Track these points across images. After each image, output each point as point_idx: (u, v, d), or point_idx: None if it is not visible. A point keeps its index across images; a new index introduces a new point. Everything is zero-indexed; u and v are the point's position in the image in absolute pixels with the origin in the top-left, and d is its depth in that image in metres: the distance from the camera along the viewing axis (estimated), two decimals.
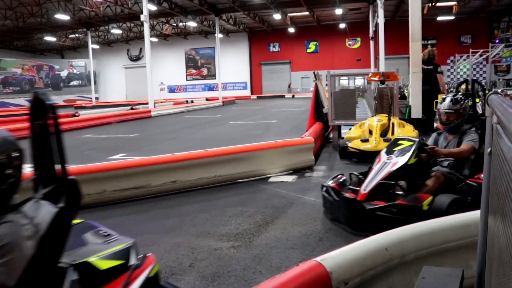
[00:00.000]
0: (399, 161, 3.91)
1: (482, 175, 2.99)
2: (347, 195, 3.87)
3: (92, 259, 1.74)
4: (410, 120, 8.65)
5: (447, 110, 4.05)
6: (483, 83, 23.72)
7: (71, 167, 5.62)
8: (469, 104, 10.96)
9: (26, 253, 1.49)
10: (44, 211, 1.67)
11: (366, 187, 3.83)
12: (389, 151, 4.09)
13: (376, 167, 3.98)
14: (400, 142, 4.13)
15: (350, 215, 3.71)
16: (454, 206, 3.47)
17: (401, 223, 2.73)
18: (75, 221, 1.86)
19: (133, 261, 1.85)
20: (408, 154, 3.93)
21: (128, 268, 1.80)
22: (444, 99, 4.14)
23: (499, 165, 1.38)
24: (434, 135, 4.39)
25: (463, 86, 17.85)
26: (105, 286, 1.71)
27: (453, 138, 4.15)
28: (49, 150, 1.92)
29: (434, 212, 3.39)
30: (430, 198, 3.60)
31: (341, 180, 4.30)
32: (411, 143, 4.04)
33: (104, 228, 2.12)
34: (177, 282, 2.84)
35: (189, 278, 2.92)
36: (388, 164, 3.93)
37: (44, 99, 1.86)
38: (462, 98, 4.14)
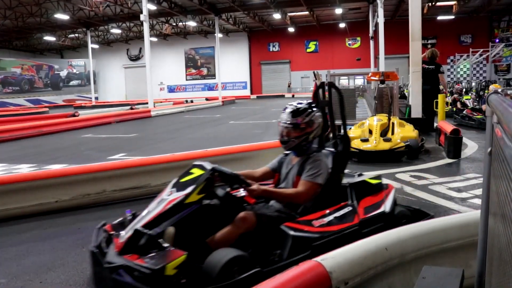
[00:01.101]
0: (177, 197, 2.67)
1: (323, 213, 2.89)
2: (114, 242, 2.61)
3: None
4: (410, 120, 8.65)
5: (285, 124, 3.11)
6: (483, 83, 23.69)
7: (71, 166, 5.63)
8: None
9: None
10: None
11: (126, 233, 2.58)
12: (177, 183, 2.83)
13: (151, 204, 2.75)
14: (191, 170, 2.84)
15: (94, 271, 2.71)
16: (234, 267, 2.34)
17: None
18: None
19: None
20: (189, 189, 2.68)
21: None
22: (284, 109, 3.24)
23: (499, 165, 1.38)
24: (280, 156, 3.36)
25: (457, 86, 17.90)
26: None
27: (297, 162, 3.13)
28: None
29: (204, 275, 2.33)
30: (183, 257, 2.30)
31: (123, 219, 2.87)
32: (202, 172, 2.77)
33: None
34: None
35: None
36: (164, 201, 2.69)
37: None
38: (310, 108, 3.14)
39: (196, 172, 2.76)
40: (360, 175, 3.49)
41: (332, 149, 3.33)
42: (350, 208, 3.01)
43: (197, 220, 2.67)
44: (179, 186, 2.74)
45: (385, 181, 3.56)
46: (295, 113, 3.12)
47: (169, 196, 2.69)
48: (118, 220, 2.83)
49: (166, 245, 2.40)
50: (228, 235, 2.63)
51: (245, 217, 2.67)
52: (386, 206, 3.14)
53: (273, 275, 2.08)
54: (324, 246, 2.57)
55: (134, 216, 2.75)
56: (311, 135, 3.08)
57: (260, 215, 2.75)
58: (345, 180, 3.29)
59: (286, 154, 3.28)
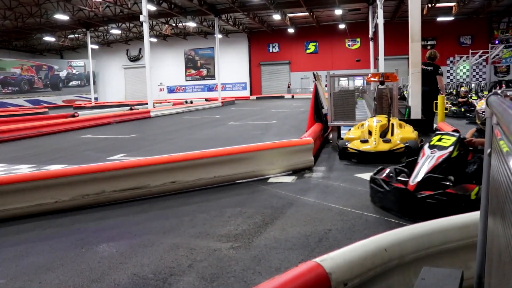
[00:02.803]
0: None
1: None
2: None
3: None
4: (410, 121, 8.65)
5: None
6: (482, 84, 23.80)
7: (70, 167, 5.63)
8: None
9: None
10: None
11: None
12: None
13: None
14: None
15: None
16: None
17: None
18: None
19: None
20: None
21: None
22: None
23: (499, 166, 1.38)
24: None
25: (463, 88, 18.30)
26: None
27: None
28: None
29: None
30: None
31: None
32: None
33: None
34: (176, 283, 2.84)
35: (188, 279, 2.92)
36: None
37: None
38: None
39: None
40: None
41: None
42: None
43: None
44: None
45: None
46: None
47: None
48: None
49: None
50: None
51: None
52: None
53: None
54: None
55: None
56: None
57: None
58: None
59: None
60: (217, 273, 2.98)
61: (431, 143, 4.38)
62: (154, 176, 5.14)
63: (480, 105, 4.42)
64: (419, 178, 4.07)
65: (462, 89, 18.42)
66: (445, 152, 4.21)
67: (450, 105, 14.76)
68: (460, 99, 15.51)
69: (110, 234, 3.99)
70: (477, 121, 4.57)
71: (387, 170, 4.58)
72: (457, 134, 4.35)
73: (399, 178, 4.43)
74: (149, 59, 21.72)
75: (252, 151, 6.02)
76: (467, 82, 24.44)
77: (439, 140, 4.37)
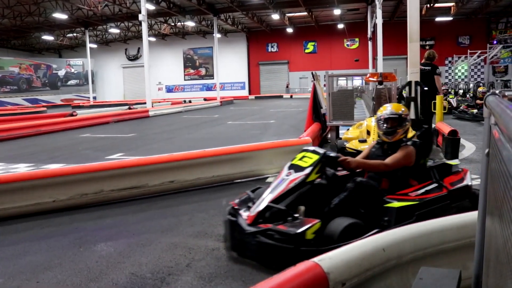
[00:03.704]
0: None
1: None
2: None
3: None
4: None
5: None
6: (480, 84, 23.79)
7: (69, 166, 5.62)
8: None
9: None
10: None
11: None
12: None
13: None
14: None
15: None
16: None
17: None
18: None
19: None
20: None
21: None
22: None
23: (497, 166, 1.38)
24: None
25: (480, 89, 17.84)
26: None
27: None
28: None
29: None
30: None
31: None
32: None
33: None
34: (174, 282, 2.84)
35: (186, 278, 2.92)
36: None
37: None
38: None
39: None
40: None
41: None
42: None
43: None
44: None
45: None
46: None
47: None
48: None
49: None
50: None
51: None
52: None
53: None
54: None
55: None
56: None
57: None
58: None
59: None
60: (215, 273, 2.98)
61: (292, 162, 3.44)
62: (153, 175, 5.13)
63: (382, 111, 3.77)
64: (260, 207, 3.11)
65: (480, 89, 17.37)
66: (300, 175, 3.25)
67: (466, 107, 14.18)
68: (478, 101, 14.55)
69: (109, 233, 3.98)
70: (378, 131, 3.79)
71: (250, 193, 3.54)
72: (322, 152, 3.41)
73: (250, 204, 3.32)
74: (147, 59, 21.69)
75: (250, 150, 6.03)
76: (465, 82, 24.42)
77: (302, 158, 3.41)
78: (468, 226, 2.42)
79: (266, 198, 3.18)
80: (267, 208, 3.09)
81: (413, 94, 6.70)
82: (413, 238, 2.35)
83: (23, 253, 3.50)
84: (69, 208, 4.61)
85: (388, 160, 3.52)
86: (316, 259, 1.96)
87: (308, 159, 3.35)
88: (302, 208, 3.14)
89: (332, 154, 3.44)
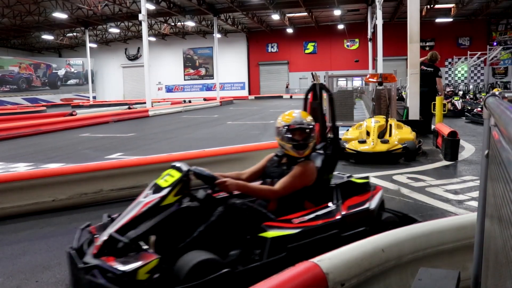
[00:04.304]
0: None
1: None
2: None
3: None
4: (408, 122, 8.67)
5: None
6: (480, 86, 23.82)
7: (68, 166, 5.62)
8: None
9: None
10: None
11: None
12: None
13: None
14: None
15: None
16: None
17: None
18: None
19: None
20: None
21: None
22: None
23: (496, 168, 1.38)
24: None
25: (496, 90, 17.82)
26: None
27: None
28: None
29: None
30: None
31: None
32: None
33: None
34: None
35: None
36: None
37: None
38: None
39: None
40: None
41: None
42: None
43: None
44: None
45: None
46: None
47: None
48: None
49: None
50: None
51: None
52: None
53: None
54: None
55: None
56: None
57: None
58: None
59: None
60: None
61: (156, 180, 2.77)
62: (152, 175, 5.06)
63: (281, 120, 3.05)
64: (105, 236, 2.45)
65: (496, 91, 17.77)
66: (155, 198, 2.60)
67: (480, 110, 14.27)
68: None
69: None
70: (282, 143, 3.04)
71: (105, 216, 2.85)
72: (185, 169, 2.70)
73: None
74: (147, 58, 21.69)
75: (250, 150, 6.03)
76: (465, 83, 24.45)
77: (165, 176, 2.75)
78: (467, 227, 2.42)
79: (115, 225, 2.52)
80: (111, 238, 2.41)
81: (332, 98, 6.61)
82: (413, 239, 2.35)
83: (22, 252, 3.50)
84: (68, 207, 4.61)
85: (279, 185, 2.86)
86: (315, 259, 1.96)
87: (170, 178, 2.67)
88: (153, 238, 2.44)
89: (206, 172, 2.76)
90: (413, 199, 4.70)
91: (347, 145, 6.96)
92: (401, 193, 4.95)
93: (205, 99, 34.64)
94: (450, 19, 33.35)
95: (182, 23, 36.15)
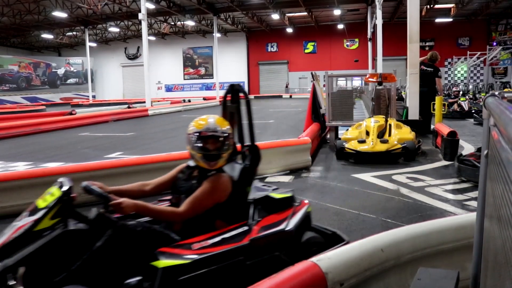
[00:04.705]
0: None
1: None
2: None
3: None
4: (407, 122, 8.67)
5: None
6: (480, 86, 23.80)
7: (68, 165, 5.61)
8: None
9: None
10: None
11: None
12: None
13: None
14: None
15: None
16: None
17: None
18: None
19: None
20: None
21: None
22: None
23: (495, 168, 1.38)
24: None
25: (455, 89, 17.58)
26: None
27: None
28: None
29: None
30: None
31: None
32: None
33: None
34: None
35: None
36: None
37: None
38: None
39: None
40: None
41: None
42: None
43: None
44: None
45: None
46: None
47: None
48: None
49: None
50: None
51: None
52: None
53: None
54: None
55: None
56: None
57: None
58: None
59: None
60: None
61: (38, 198, 2.30)
62: (152, 174, 5.10)
63: None
64: None
65: (454, 88, 17.06)
66: (29, 221, 2.12)
67: None
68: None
69: None
70: (192, 152, 2.63)
71: None
72: (68, 186, 2.29)
73: None
74: (147, 58, 21.68)
75: None
76: (464, 83, 24.44)
77: (47, 194, 2.29)
78: (467, 227, 2.42)
79: None
80: None
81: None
82: (412, 239, 2.35)
83: None
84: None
85: (185, 205, 2.43)
86: (314, 259, 1.96)
87: (50, 197, 2.23)
88: (21, 270, 1.96)
89: (98, 190, 2.41)
90: (412, 199, 4.71)
91: (346, 145, 6.96)
92: (400, 193, 4.96)
93: (204, 99, 34.63)
94: (450, 19, 33.35)
95: (182, 22, 36.13)
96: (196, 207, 2.44)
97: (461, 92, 18.70)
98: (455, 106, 14.23)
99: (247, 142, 2.93)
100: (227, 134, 2.59)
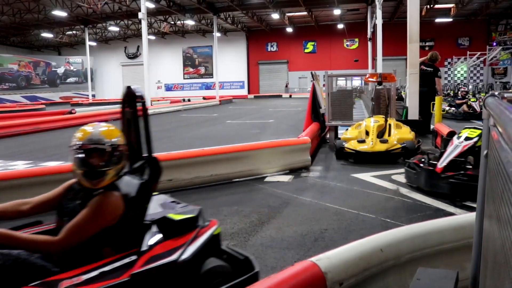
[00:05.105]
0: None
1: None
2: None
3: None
4: (407, 122, 8.67)
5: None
6: (479, 86, 23.80)
7: (68, 164, 5.61)
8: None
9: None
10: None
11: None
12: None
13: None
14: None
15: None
16: None
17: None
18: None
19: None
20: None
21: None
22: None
23: (495, 168, 1.38)
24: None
25: (463, 89, 17.36)
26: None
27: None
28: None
29: None
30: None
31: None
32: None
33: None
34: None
35: None
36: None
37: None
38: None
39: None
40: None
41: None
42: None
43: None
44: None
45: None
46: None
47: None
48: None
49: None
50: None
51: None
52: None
53: None
54: None
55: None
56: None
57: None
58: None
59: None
60: None
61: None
62: None
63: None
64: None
65: (462, 88, 16.72)
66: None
67: None
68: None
69: None
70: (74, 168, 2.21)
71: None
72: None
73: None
74: (147, 57, 21.69)
75: (249, 149, 6.03)
76: (464, 83, 24.44)
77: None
78: (466, 227, 2.42)
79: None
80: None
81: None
82: (411, 239, 2.35)
83: None
84: None
85: (64, 233, 2.01)
86: (313, 259, 1.96)
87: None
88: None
89: None
90: (412, 199, 4.71)
91: (346, 145, 6.96)
92: (400, 193, 4.96)
93: (204, 98, 34.63)
94: (450, 19, 33.35)
95: (182, 21, 36.12)
96: (76, 235, 2.01)
97: (470, 93, 18.26)
98: (465, 107, 14.02)
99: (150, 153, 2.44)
100: (116, 146, 2.16)
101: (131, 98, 2.43)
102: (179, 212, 2.40)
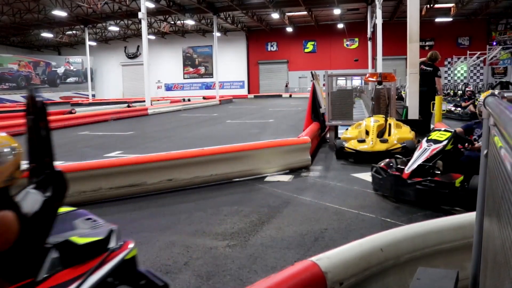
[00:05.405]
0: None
1: None
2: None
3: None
4: (407, 121, 8.66)
5: None
6: (479, 85, 23.77)
7: (67, 164, 5.61)
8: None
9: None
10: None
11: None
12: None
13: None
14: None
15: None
16: None
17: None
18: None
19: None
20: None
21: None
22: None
23: (495, 167, 1.38)
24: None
25: (468, 89, 17.22)
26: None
27: None
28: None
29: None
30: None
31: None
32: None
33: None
34: (172, 280, 2.84)
35: (184, 276, 2.92)
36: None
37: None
38: None
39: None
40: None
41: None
42: None
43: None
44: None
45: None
46: None
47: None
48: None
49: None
50: None
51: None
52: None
53: None
54: None
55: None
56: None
57: None
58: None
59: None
60: (213, 271, 2.98)
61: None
62: (151, 173, 5.13)
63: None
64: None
65: (467, 88, 16.80)
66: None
67: None
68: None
69: None
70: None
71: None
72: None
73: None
74: (147, 57, 21.67)
75: (249, 149, 6.03)
76: (465, 83, 24.42)
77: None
78: (466, 226, 2.42)
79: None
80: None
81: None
82: (411, 238, 2.35)
83: None
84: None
85: None
86: (313, 258, 1.96)
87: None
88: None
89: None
90: None
91: (346, 144, 6.96)
92: None
93: (204, 98, 34.62)
94: (450, 19, 33.35)
95: (182, 21, 36.12)
96: None
97: (475, 93, 18.08)
98: (471, 107, 13.93)
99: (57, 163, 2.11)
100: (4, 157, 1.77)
101: (34, 104, 2.04)
102: (85, 234, 1.98)
